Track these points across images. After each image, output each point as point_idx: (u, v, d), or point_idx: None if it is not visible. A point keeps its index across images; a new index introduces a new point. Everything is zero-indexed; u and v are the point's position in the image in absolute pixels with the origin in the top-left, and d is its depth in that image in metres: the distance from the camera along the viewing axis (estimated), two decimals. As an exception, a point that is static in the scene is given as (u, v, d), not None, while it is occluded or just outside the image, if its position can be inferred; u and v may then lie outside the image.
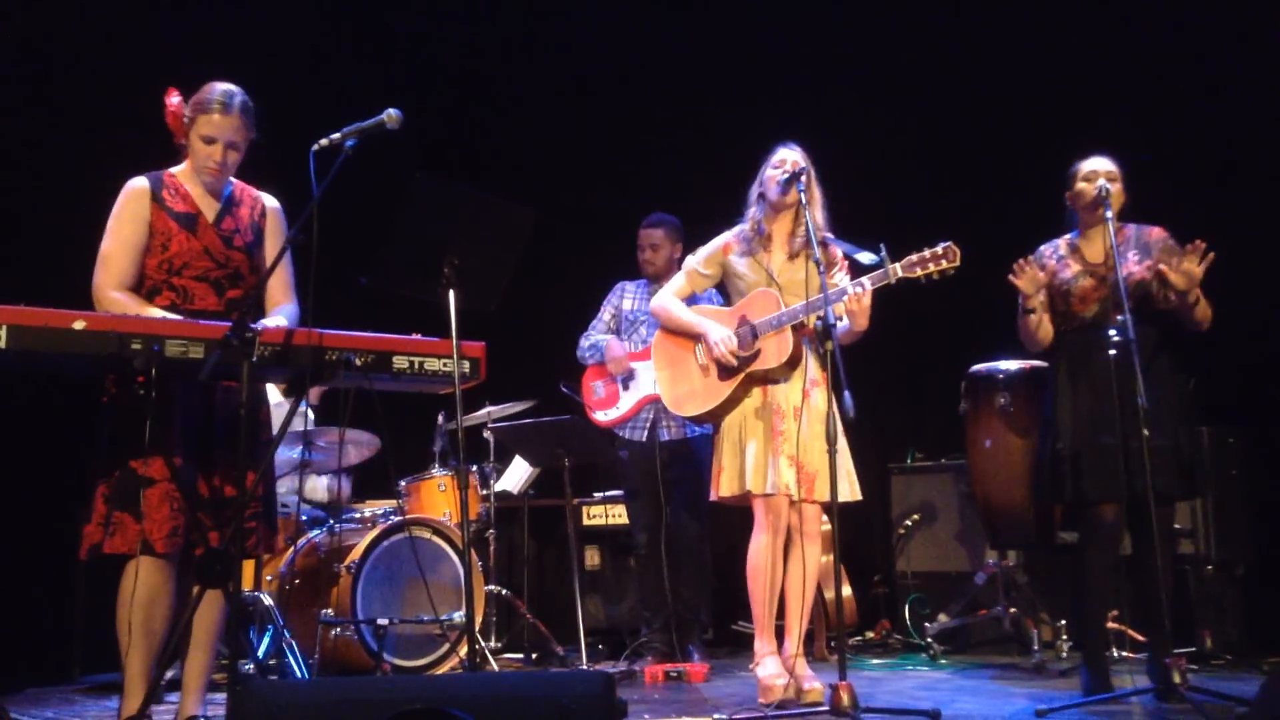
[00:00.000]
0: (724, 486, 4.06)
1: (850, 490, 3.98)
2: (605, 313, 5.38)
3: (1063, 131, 5.66)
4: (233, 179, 3.49)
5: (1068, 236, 4.19)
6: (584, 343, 5.33)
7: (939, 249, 3.79)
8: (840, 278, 4.03)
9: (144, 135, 3.57)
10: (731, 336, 4.04)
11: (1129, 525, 3.99)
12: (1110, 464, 3.89)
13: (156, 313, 3.20)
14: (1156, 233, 4.10)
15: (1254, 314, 5.57)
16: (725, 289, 4.30)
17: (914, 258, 3.81)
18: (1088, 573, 4.04)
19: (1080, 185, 4.08)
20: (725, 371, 4.07)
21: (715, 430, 4.16)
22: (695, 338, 4.17)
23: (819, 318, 3.78)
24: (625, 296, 5.36)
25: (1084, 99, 5.96)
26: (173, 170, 3.43)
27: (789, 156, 4.11)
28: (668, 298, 4.30)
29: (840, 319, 3.95)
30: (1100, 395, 3.94)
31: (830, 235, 4.12)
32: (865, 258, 3.87)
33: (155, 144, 3.43)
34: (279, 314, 3.40)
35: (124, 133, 4.56)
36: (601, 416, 5.22)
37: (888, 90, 6.45)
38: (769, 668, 3.97)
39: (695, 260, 4.28)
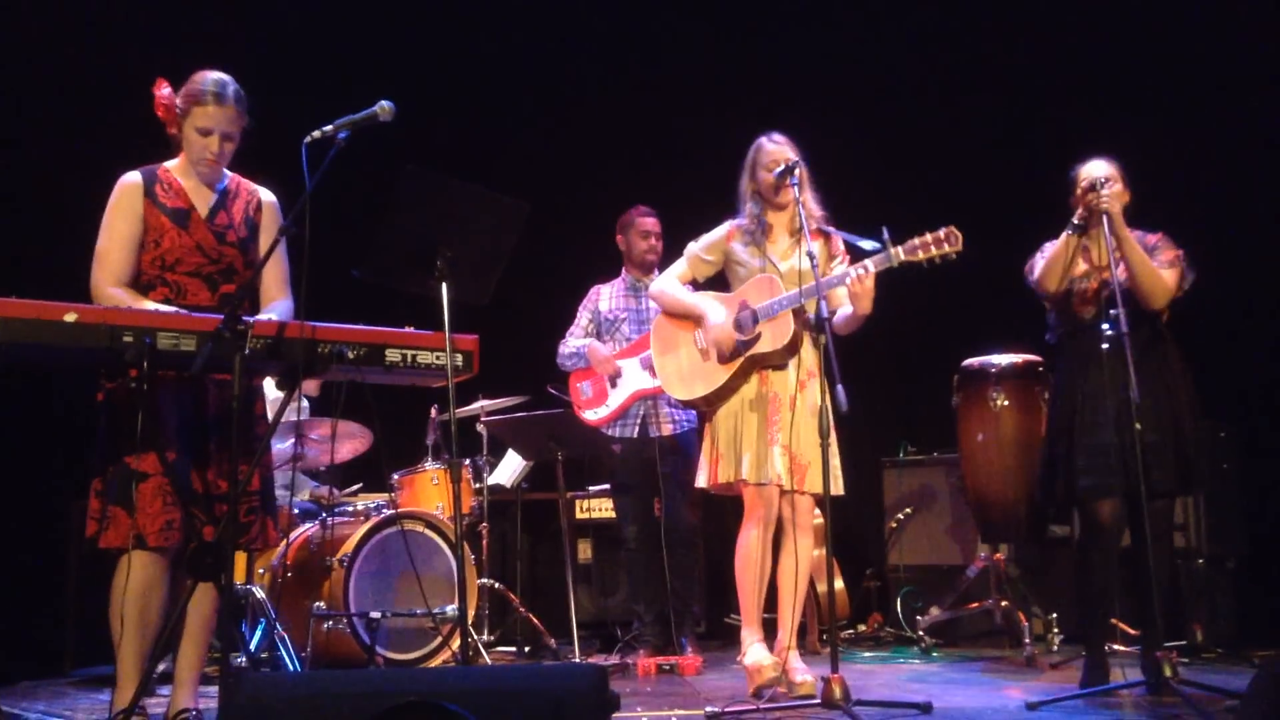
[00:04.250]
0: (720, 474, 4.05)
1: (834, 484, 3.98)
2: (583, 318, 5.37)
3: (1058, 126, 5.68)
4: (229, 172, 3.48)
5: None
6: (563, 349, 5.32)
7: (941, 233, 3.80)
8: (840, 267, 4.04)
9: (137, 126, 3.55)
10: (730, 318, 4.04)
11: (1127, 519, 4.00)
12: (1105, 460, 3.90)
13: (151, 305, 3.19)
14: (1154, 239, 4.10)
15: (1246, 309, 5.60)
16: (725, 277, 4.29)
17: (916, 241, 3.82)
18: (1088, 570, 4.05)
19: (1081, 188, 4.06)
20: (725, 355, 4.06)
21: (708, 419, 4.16)
22: (696, 320, 4.17)
23: (815, 309, 3.79)
24: (602, 298, 5.36)
25: (1083, 93, 5.97)
26: (167, 165, 3.41)
27: (779, 154, 4.10)
28: (668, 281, 4.29)
29: (838, 309, 3.96)
30: (1096, 393, 3.96)
31: (831, 227, 4.12)
32: (867, 245, 3.87)
33: (148, 135, 3.42)
34: (272, 310, 3.39)
35: (116, 123, 4.54)
36: (591, 415, 5.21)
37: (882, 83, 6.45)
38: (755, 654, 3.98)
39: (697, 246, 4.27)
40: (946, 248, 3.80)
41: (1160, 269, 3.97)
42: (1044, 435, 4.29)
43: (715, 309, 4.10)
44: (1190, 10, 5.74)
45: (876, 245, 3.85)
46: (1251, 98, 5.62)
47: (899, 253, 3.82)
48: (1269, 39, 5.52)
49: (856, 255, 3.98)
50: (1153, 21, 5.86)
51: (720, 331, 4.04)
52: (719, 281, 4.30)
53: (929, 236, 3.81)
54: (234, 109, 3.32)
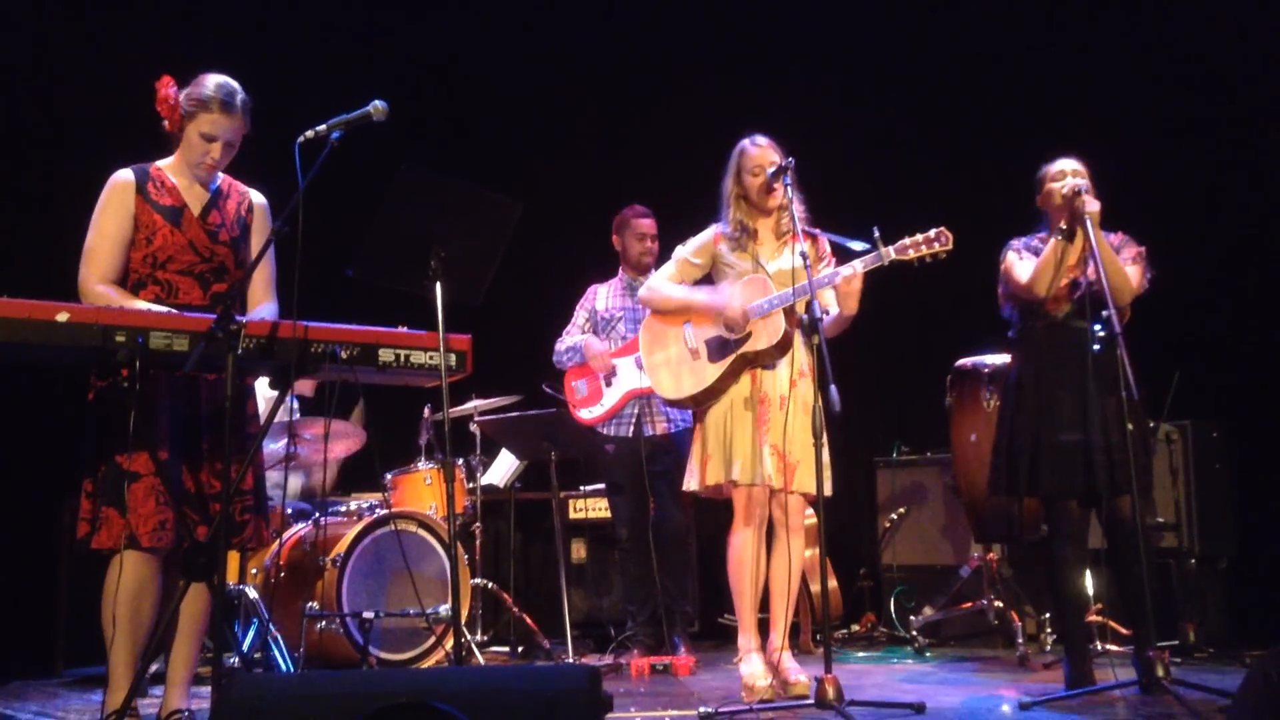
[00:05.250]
0: (709, 475, 4.03)
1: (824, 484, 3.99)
2: (579, 316, 5.37)
3: (1048, 124, 5.69)
4: (220, 172, 3.48)
5: (1040, 234, 4.17)
6: (560, 346, 5.32)
7: (931, 233, 3.82)
8: (826, 270, 4.03)
9: (130, 124, 3.54)
10: (735, 295, 4.02)
11: (1104, 520, 3.99)
12: (1069, 461, 3.90)
13: (142, 305, 3.18)
14: (1116, 238, 4.10)
15: (1236, 308, 5.61)
16: (713, 280, 4.28)
17: (906, 241, 3.83)
18: (1059, 568, 4.05)
19: (1050, 186, 4.07)
20: (714, 354, 4.06)
21: (698, 420, 4.15)
22: (690, 311, 4.13)
23: (807, 309, 3.78)
24: (599, 297, 5.36)
25: (1068, 92, 5.97)
26: (160, 163, 3.41)
27: (763, 158, 4.08)
28: (658, 281, 4.27)
29: (827, 312, 3.95)
30: (1066, 391, 3.95)
31: (818, 230, 4.11)
32: (856, 245, 3.88)
33: (142, 134, 3.41)
34: (260, 313, 3.39)
35: (110, 122, 4.53)
36: (586, 414, 5.21)
37: (872, 80, 6.45)
38: (752, 665, 3.97)
39: (686, 250, 4.26)
40: (937, 247, 3.82)
41: (1125, 265, 3.98)
42: (1001, 424, 4.21)
43: (717, 289, 4.09)
44: (1186, 9, 5.76)
45: (865, 245, 3.85)
46: (1236, 95, 5.64)
47: (889, 252, 3.82)
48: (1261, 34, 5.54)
49: (843, 257, 3.98)
50: (1148, 19, 5.88)
51: (731, 309, 3.99)
52: (708, 285, 4.29)
53: (919, 236, 3.83)
54: (241, 119, 3.33)
